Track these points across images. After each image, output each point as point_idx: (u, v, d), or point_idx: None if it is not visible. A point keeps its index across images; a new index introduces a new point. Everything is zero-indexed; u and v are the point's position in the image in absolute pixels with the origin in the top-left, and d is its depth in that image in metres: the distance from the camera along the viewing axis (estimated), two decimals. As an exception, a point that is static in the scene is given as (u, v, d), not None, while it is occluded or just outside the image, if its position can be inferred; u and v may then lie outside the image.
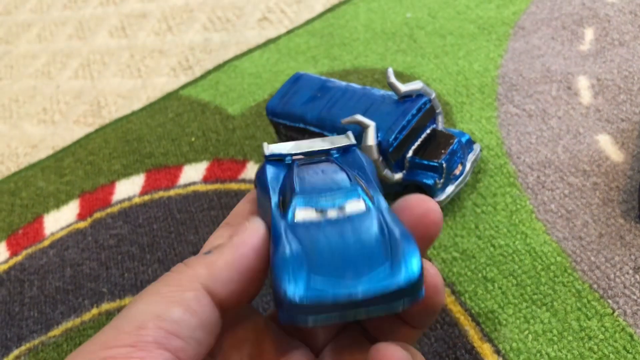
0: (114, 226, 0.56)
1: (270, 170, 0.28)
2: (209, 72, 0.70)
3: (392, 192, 0.46)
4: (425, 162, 0.44)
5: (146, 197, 0.58)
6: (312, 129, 0.47)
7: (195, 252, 0.50)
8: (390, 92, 0.46)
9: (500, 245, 0.43)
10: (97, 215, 0.58)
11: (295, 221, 0.24)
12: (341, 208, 0.25)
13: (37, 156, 0.70)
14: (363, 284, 0.22)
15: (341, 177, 0.26)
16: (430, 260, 0.43)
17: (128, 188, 0.60)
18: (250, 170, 0.55)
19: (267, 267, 0.25)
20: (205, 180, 0.57)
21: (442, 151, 0.44)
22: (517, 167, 0.47)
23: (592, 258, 0.40)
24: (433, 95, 0.45)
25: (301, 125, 0.48)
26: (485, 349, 0.38)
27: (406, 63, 0.60)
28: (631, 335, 0.36)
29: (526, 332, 0.38)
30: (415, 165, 0.45)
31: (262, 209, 0.27)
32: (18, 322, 0.52)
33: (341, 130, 0.45)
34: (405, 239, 0.23)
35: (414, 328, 0.27)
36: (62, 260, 0.55)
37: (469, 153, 0.46)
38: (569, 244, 0.41)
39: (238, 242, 0.25)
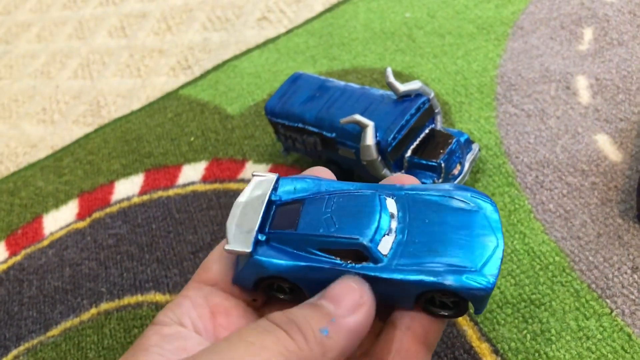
0: (113, 226, 0.56)
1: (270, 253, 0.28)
2: (208, 72, 0.70)
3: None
4: (424, 162, 0.44)
5: (145, 197, 0.58)
6: (310, 128, 0.47)
7: (194, 252, 0.50)
8: (389, 92, 0.46)
9: (498, 245, 0.42)
10: (96, 215, 0.58)
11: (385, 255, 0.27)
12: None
13: (37, 156, 0.70)
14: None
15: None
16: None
17: (127, 188, 0.60)
18: (249, 170, 0.55)
19: None
20: (204, 180, 0.57)
21: (441, 151, 0.44)
22: (516, 166, 0.47)
23: (591, 258, 0.40)
24: (432, 95, 0.45)
25: (300, 125, 0.48)
26: (483, 348, 0.38)
27: (405, 63, 0.60)
28: (629, 335, 0.36)
29: (525, 331, 0.38)
30: (414, 165, 0.45)
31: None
32: (17, 322, 0.52)
33: (339, 130, 0.45)
34: None
35: None
36: (61, 260, 0.55)
37: (467, 153, 0.46)
38: (568, 243, 0.41)
39: (353, 327, 0.25)
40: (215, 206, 0.53)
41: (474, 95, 0.54)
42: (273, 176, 0.30)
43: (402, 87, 0.44)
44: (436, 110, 0.46)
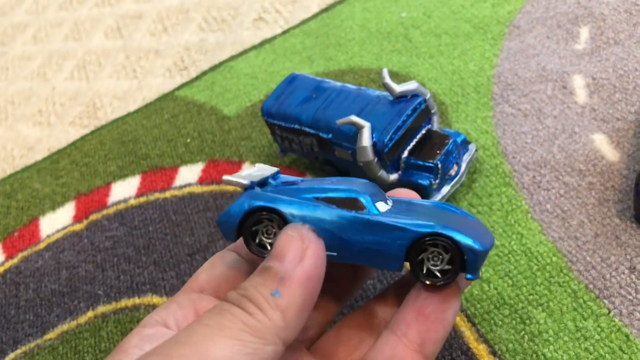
0: (109, 228, 0.56)
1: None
2: (204, 73, 0.70)
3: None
4: (421, 163, 0.44)
5: (142, 199, 0.57)
6: (307, 129, 0.47)
7: (191, 254, 0.50)
8: (385, 93, 0.46)
9: (495, 246, 0.42)
10: (93, 217, 0.58)
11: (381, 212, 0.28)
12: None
13: (33, 158, 0.70)
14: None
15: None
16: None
17: (124, 190, 0.60)
18: (246, 172, 0.55)
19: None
20: (201, 181, 0.57)
21: (438, 151, 0.44)
22: (513, 167, 0.47)
23: (588, 258, 0.40)
24: (428, 96, 0.45)
25: (296, 126, 0.48)
26: (481, 350, 0.38)
27: (401, 63, 0.60)
28: (627, 336, 0.36)
29: (522, 332, 0.38)
30: (411, 166, 0.45)
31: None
32: (14, 325, 0.52)
33: (336, 131, 0.45)
34: None
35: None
36: (58, 263, 0.55)
37: (464, 153, 0.46)
38: (565, 244, 0.41)
39: (304, 276, 0.24)
40: (212, 208, 0.53)
41: (471, 95, 0.54)
42: (274, 168, 0.31)
43: (399, 88, 0.44)
44: (433, 111, 0.46)
